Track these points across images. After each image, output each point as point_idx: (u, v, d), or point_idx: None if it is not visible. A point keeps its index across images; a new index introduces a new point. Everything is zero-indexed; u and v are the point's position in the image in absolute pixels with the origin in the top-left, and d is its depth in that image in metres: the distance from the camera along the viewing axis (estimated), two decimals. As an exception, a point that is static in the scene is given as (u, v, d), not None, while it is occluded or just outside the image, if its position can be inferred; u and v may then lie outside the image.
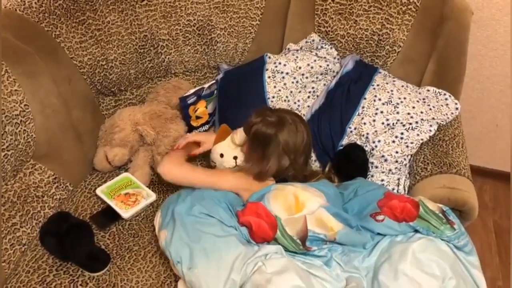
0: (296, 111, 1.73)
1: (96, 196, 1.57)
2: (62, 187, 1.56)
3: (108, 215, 1.49)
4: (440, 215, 1.27)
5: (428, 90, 1.70)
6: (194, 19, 1.80)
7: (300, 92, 1.77)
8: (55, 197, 1.53)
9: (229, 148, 1.51)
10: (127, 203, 1.45)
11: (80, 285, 1.32)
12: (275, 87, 1.75)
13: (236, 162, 1.50)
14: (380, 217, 1.28)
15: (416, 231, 1.26)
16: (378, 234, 1.28)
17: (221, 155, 1.52)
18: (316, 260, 1.23)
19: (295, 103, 1.76)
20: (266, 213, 1.25)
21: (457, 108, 1.67)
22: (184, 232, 1.23)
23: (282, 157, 1.38)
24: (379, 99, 1.63)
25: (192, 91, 1.70)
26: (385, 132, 1.60)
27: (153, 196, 1.47)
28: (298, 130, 1.39)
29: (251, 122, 1.40)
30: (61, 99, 1.54)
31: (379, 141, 1.59)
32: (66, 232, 1.35)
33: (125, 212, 1.44)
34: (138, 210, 1.46)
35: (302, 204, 1.26)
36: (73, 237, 1.35)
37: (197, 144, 1.58)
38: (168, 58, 1.82)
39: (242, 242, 1.22)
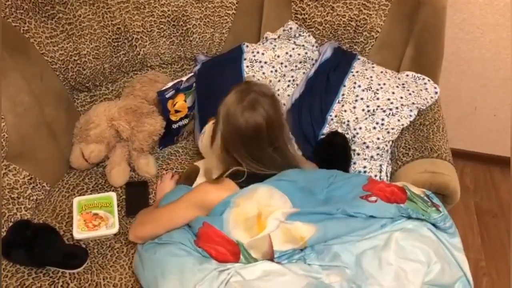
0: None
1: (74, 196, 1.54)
2: (39, 187, 1.51)
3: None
4: (425, 198, 1.27)
5: (407, 75, 1.70)
6: (169, 10, 1.76)
7: (279, 81, 1.75)
8: (31, 198, 1.48)
9: None
10: (87, 224, 1.41)
11: (61, 286, 1.29)
12: (253, 76, 1.73)
13: None
14: (372, 198, 1.22)
15: (404, 216, 1.23)
16: (371, 217, 1.20)
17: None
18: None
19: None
20: (226, 239, 1.19)
21: (436, 92, 1.67)
22: (139, 263, 1.25)
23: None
24: (359, 86, 1.63)
25: (170, 84, 1.66)
26: (366, 118, 1.59)
27: (115, 229, 1.41)
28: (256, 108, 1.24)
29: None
30: (33, 96, 1.50)
31: (360, 128, 1.58)
32: (33, 237, 1.31)
33: (79, 233, 1.39)
34: (91, 237, 1.40)
35: (263, 222, 1.18)
36: (42, 241, 1.31)
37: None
38: (143, 50, 1.78)
39: (196, 257, 1.20)
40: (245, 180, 1.25)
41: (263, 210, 1.19)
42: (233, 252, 1.18)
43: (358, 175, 1.39)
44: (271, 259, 1.17)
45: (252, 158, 1.26)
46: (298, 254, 1.18)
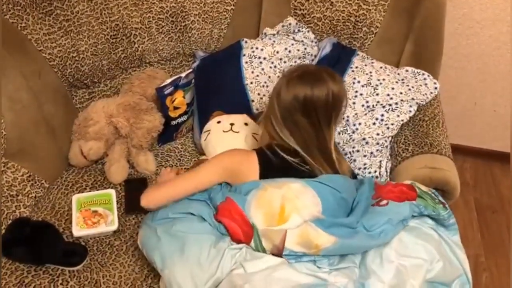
0: (275, 97, 1.71)
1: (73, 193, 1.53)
2: (38, 184, 1.51)
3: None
4: (433, 195, 1.28)
5: (407, 71, 1.69)
6: (167, 6, 1.75)
7: (278, 77, 1.74)
8: (30, 195, 1.48)
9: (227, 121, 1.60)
10: (86, 221, 1.40)
11: (61, 284, 1.29)
12: (253, 72, 1.72)
13: (231, 127, 1.58)
14: (383, 202, 1.21)
15: (415, 216, 1.23)
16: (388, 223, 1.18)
17: (218, 122, 1.61)
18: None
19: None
20: (244, 219, 1.17)
21: (436, 88, 1.67)
22: (153, 235, 1.21)
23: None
24: (358, 82, 1.62)
25: (168, 81, 1.66)
26: (365, 114, 1.59)
27: (114, 226, 1.41)
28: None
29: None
30: (31, 93, 1.49)
31: (359, 123, 1.58)
32: (32, 234, 1.31)
33: (78, 230, 1.38)
34: (91, 234, 1.40)
35: (286, 216, 1.15)
36: (42, 238, 1.31)
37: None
38: (142, 47, 1.78)
39: (215, 235, 1.18)
40: (268, 161, 1.25)
41: (288, 202, 1.16)
42: (247, 234, 1.17)
43: (364, 186, 1.31)
44: (280, 254, 1.16)
45: (284, 122, 1.25)
46: (308, 257, 1.16)
